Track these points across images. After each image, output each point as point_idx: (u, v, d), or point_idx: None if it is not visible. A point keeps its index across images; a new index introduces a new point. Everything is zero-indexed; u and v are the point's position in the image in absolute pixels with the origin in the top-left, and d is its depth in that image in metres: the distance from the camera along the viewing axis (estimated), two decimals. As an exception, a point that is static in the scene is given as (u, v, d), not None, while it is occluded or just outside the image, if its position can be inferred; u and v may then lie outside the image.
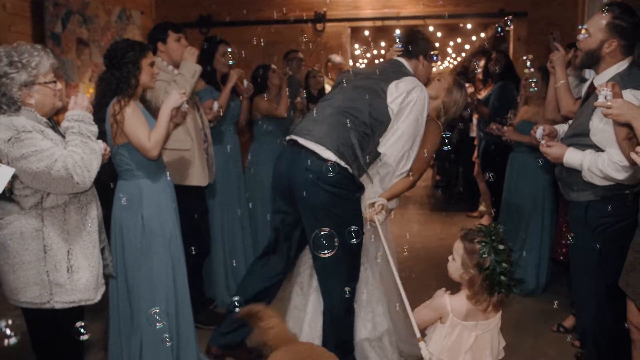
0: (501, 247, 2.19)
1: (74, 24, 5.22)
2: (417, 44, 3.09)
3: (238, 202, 4.26)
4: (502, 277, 2.16)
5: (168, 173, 2.99)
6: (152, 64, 2.94)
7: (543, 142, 2.76)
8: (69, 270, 2.34)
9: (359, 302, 3.04)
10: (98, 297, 2.48)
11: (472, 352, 2.24)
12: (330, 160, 2.73)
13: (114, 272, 2.71)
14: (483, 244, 2.19)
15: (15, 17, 4.63)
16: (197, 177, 3.56)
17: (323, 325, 3.00)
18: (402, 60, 3.09)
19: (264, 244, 4.65)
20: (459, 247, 2.28)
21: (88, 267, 2.40)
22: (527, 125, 4.26)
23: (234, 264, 4.18)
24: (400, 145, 2.89)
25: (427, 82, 3.17)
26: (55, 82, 2.36)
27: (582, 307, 2.90)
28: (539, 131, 2.81)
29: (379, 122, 2.86)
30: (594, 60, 2.71)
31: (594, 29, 2.68)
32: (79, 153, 2.27)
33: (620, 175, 2.54)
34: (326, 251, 2.62)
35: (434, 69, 3.28)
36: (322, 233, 2.62)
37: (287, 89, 4.58)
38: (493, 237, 2.21)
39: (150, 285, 2.90)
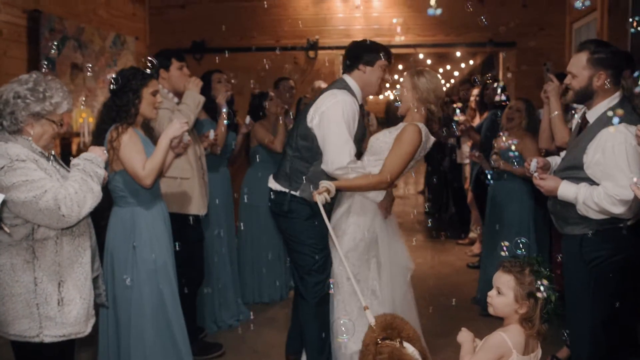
0: (551, 274, 2.14)
1: (69, 49, 5.24)
2: (352, 56, 3.20)
3: (227, 232, 4.27)
4: (555, 307, 2.11)
5: (163, 202, 2.99)
6: (154, 93, 2.96)
7: (536, 174, 2.75)
8: (59, 303, 2.29)
9: (351, 316, 3.00)
10: (88, 330, 2.43)
11: None
12: (272, 189, 3.20)
13: (106, 302, 2.67)
14: (536, 272, 2.12)
15: (11, 42, 4.65)
16: (197, 205, 3.57)
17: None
18: (344, 76, 3.23)
19: (252, 270, 4.69)
20: (507, 279, 2.15)
21: (79, 300, 2.36)
22: (509, 153, 4.31)
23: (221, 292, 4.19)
24: (329, 152, 3.01)
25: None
26: (61, 125, 2.38)
27: (576, 339, 2.86)
28: (533, 164, 2.78)
29: (307, 144, 3.09)
30: (586, 96, 2.74)
31: (577, 69, 2.73)
32: (74, 187, 2.25)
33: (617, 209, 2.53)
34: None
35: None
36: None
37: (286, 123, 4.58)
38: (539, 264, 2.15)
39: (139, 316, 2.88)
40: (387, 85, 7.15)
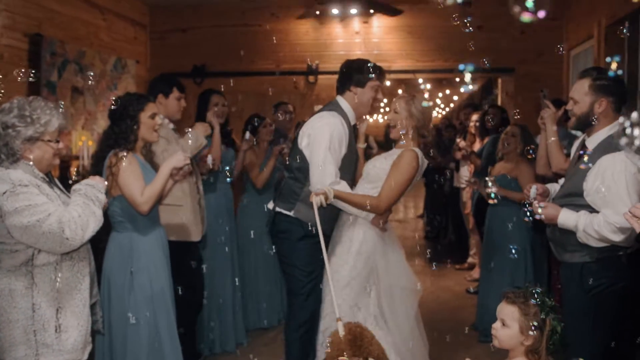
0: (550, 302, 2.12)
1: (69, 73, 5.28)
2: (342, 77, 3.25)
3: (230, 253, 4.25)
4: (561, 338, 2.08)
5: (162, 228, 2.98)
6: (152, 116, 2.96)
7: (536, 202, 2.74)
8: (57, 329, 2.27)
9: None
10: (85, 357, 2.41)
11: None
12: (269, 209, 3.27)
13: (102, 329, 2.65)
14: (539, 304, 2.10)
15: (12, 65, 4.67)
16: (191, 232, 3.56)
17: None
18: (337, 97, 3.27)
19: (252, 293, 4.65)
20: (511, 311, 2.12)
21: (77, 327, 2.34)
22: (505, 180, 4.33)
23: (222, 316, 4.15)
24: (312, 173, 3.06)
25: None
26: (58, 141, 2.37)
27: None
28: (533, 190, 2.80)
29: (299, 164, 3.15)
30: (587, 122, 2.75)
31: (579, 95, 2.76)
32: (77, 211, 2.26)
33: (617, 237, 2.53)
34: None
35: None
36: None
37: (274, 162, 4.56)
38: (543, 295, 2.12)
39: (134, 344, 2.85)
40: (386, 107, 7.18)
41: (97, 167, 2.82)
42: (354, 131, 3.28)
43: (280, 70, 6.68)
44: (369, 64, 3.17)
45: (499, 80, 6.98)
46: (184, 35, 6.94)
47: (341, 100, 3.22)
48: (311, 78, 6.81)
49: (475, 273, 6.10)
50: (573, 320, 2.75)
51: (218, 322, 4.15)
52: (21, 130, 2.26)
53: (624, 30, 3.38)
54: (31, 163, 2.30)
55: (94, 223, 2.30)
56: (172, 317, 2.96)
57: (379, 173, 3.14)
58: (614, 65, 2.74)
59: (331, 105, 3.23)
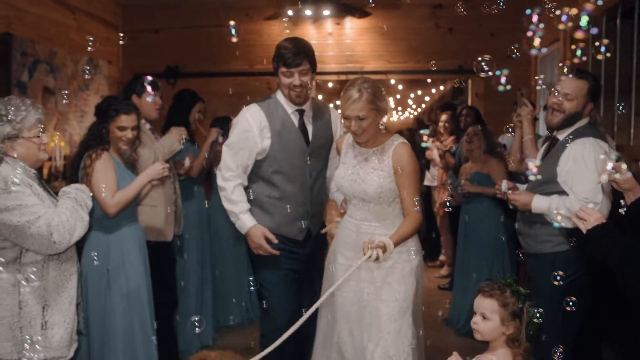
0: (524, 290, 2.18)
1: (40, 73, 5.22)
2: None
3: (206, 255, 4.27)
4: (538, 323, 2.16)
5: (140, 226, 3.00)
6: (121, 129, 3.01)
7: (509, 191, 2.93)
8: (43, 326, 2.29)
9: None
10: (71, 354, 2.43)
11: None
12: None
13: (83, 329, 2.66)
14: (515, 293, 2.16)
15: (-19, 65, 4.62)
16: (166, 232, 3.57)
17: None
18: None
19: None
20: (490, 304, 2.17)
21: (63, 324, 2.36)
22: (480, 177, 4.49)
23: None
24: (219, 170, 3.02)
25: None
26: (39, 136, 2.40)
27: (545, 358, 2.95)
28: (504, 184, 3.01)
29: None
30: (573, 120, 2.89)
31: (576, 94, 2.89)
32: (66, 215, 2.29)
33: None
34: None
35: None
36: None
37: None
38: (516, 283, 2.18)
39: (112, 341, 2.87)
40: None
41: (75, 162, 2.85)
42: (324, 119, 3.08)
43: (254, 71, 6.70)
44: (275, 51, 2.93)
45: (469, 81, 7.12)
46: (157, 36, 6.91)
47: (276, 94, 3.06)
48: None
49: (444, 270, 6.25)
50: (544, 312, 2.87)
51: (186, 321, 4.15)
52: None
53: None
54: (19, 160, 2.33)
55: (81, 228, 2.34)
56: (146, 315, 2.98)
57: (390, 188, 2.76)
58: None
59: (268, 97, 3.09)
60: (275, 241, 2.91)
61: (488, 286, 2.22)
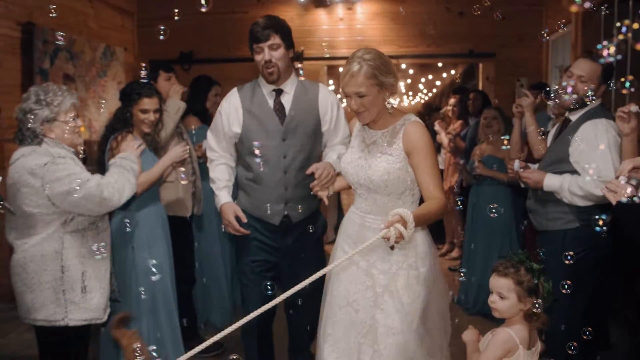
0: (537, 266, 2.22)
1: (61, 60, 5.36)
2: None
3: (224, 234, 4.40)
4: (552, 296, 2.20)
5: (162, 205, 3.15)
6: (144, 111, 3.16)
7: (521, 170, 3.01)
8: (82, 290, 2.49)
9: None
10: (105, 317, 2.63)
11: None
12: None
13: (119, 297, 2.84)
14: (529, 269, 2.19)
15: (6, 54, 4.76)
16: (180, 208, 3.71)
17: None
18: None
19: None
20: (505, 283, 2.20)
21: (99, 289, 2.56)
22: (492, 159, 4.58)
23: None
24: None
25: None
26: (74, 119, 2.57)
27: (552, 333, 2.97)
28: (517, 163, 3.07)
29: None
30: (585, 103, 2.94)
31: (589, 76, 2.93)
32: (113, 177, 2.53)
33: (600, 191, 2.67)
34: None
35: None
36: None
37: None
38: (528, 260, 2.22)
39: (137, 317, 3.04)
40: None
41: (102, 145, 3.06)
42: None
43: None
44: (250, 29, 2.88)
45: (480, 65, 7.18)
46: (171, 23, 7.00)
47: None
48: (297, 64, 6.93)
49: (455, 253, 6.38)
50: (554, 288, 2.97)
51: (210, 298, 4.31)
52: (38, 112, 2.47)
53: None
54: (57, 141, 2.51)
55: (129, 189, 2.57)
56: (169, 290, 3.15)
57: (399, 176, 2.43)
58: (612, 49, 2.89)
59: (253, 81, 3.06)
60: (244, 220, 2.84)
61: (502, 265, 2.24)
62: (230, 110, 2.90)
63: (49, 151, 2.45)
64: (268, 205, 2.86)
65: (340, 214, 6.86)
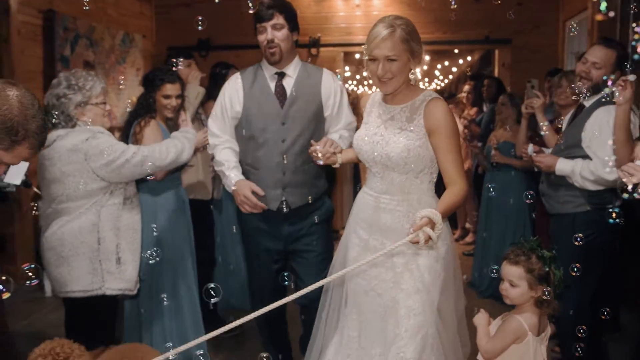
0: (549, 253, 2.24)
1: (81, 47, 5.47)
2: None
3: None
4: (561, 282, 2.23)
5: (183, 189, 3.25)
6: (166, 97, 3.24)
7: (535, 154, 3.10)
8: (117, 262, 2.63)
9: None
10: (135, 291, 2.76)
11: None
12: None
13: (143, 275, 2.95)
14: (540, 257, 2.22)
15: (28, 41, 4.87)
16: (201, 191, 3.80)
17: None
18: None
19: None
20: (516, 270, 2.23)
21: (131, 262, 2.69)
22: (509, 146, 4.61)
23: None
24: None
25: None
26: (105, 103, 2.71)
27: (563, 316, 3.01)
28: (530, 147, 3.17)
29: None
30: (599, 87, 2.96)
31: (604, 62, 2.96)
32: (157, 145, 2.73)
33: (612, 175, 2.77)
34: None
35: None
36: None
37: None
38: (540, 247, 2.24)
39: (159, 298, 3.13)
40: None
41: (126, 130, 3.15)
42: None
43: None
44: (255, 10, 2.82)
45: (496, 52, 7.16)
46: (189, 10, 7.08)
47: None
48: (313, 50, 6.98)
49: (469, 238, 6.42)
50: (563, 269, 3.02)
51: (229, 280, 4.39)
52: (72, 97, 2.59)
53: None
54: (90, 124, 2.64)
55: (174, 152, 2.74)
56: (190, 272, 3.25)
57: (419, 154, 2.30)
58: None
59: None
60: (261, 193, 2.77)
61: (513, 253, 2.26)
62: (232, 92, 2.88)
63: (87, 128, 2.59)
64: (267, 190, 2.79)
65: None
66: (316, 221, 2.92)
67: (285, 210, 2.81)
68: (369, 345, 2.37)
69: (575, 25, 5.43)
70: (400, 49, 2.24)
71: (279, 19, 2.78)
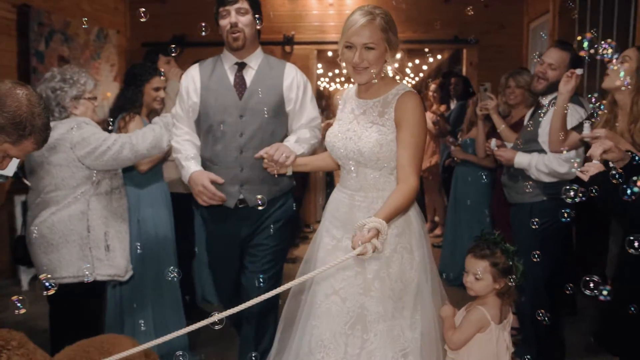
0: (512, 247, 2.33)
1: (56, 43, 5.49)
2: None
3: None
4: (523, 275, 2.32)
5: (165, 182, 3.35)
6: (156, 89, 3.35)
7: (496, 148, 3.35)
8: (106, 249, 2.71)
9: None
10: (127, 277, 2.84)
11: (508, 352, 2.37)
12: None
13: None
14: (504, 251, 2.31)
15: (3, 35, 4.88)
16: (181, 185, 3.88)
17: None
18: None
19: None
20: (481, 264, 2.32)
21: (120, 249, 2.78)
22: (473, 142, 4.82)
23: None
24: None
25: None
26: (95, 98, 2.82)
27: (521, 303, 3.24)
28: (493, 142, 3.45)
29: None
30: (556, 88, 3.12)
31: (559, 63, 3.20)
32: (135, 132, 2.79)
33: (563, 168, 3.03)
34: None
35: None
36: None
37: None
38: (503, 242, 2.33)
39: (141, 286, 3.24)
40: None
41: (108, 125, 3.21)
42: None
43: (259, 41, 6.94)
44: None
45: (464, 51, 7.39)
46: (163, 6, 7.12)
47: None
48: (287, 48, 7.11)
49: (438, 230, 6.67)
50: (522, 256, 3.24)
51: (204, 276, 4.49)
52: (67, 90, 2.69)
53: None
54: (79, 115, 2.73)
55: (152, 136, 2.76)
56: (172, 262, 3.35)
57: (392, 149, 2.26)
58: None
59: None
60: (221, 181, 2.67)
61: (478, 247, 2.35)
62: (189, 82, 2.78)
63: (75, 119, 2.68)
64: (224, 186, 2.68)
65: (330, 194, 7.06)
66: (274, 222, 2.80)
67: (241, 207, 2.71)
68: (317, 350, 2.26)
69: (543, 34, 5.68)
70: (379, 38, 2.19)
71: (243, 4, 2.70)
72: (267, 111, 2.72)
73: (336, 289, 2.27)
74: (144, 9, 3.02)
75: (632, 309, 2.20)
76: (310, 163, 2.67)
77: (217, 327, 1.87)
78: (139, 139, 2.72)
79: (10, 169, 2.03)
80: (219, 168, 2.72)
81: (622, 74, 2.57)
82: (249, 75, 2.76)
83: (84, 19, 5.44)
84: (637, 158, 2.25)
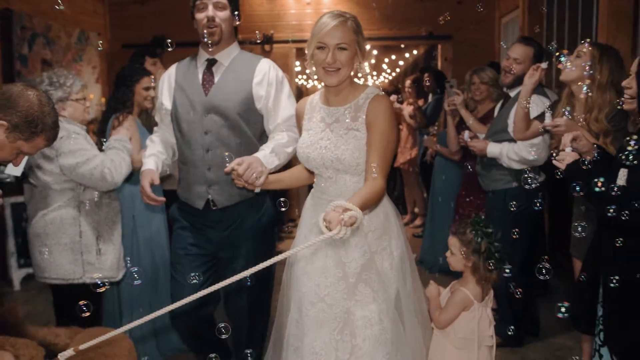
0: (489, 230, 2.50)
1: (38, 46, 5.55)
2: None
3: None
4: (497, 255, 2.47)
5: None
6: (147, 88, 3.46)
7: (469, 139, 3.56)
8: (97, 253, 2.83)
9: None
10: (120, 277, 2.97)
11: (491, 325, 2.55)
12: None
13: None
14: (474, 231, 2.48)
15: (-16, 40, 4.93)
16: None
17: None
18: None
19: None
20: (454, 242, 2.54)
21: (112, 252, 2.89)
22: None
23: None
24: None
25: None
26: (85, 99, 2.90)
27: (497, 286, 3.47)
28: (466, 134, 3.65)
29: None
30: (520, 80, 3.35)
31: (523, 58, 3.43)
32: (112, 157, 2.81)
33: (532, 156, 3.25)
34: None
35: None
36: None
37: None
38: (481, 224, 2.49)
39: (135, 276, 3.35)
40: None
41: (103, 125, 3.31)
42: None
43: (237, 40, 7.05)
44: None
45: (439, 47, 7.60)
46: (142, 7, 7.20)
47: None
48: (267, 47, 7.24)
49: (418, 221, 6.90)
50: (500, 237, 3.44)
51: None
52: (53, 93, 2.78)
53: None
54: (69, 119, 2.80)
55: (126, 167, 2.87)
56: (167, 255, 3.46)
57: (364, 150, 2.26)
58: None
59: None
60: (157, 182, 2.63)
61: (454, 227, 2.59)
62: (164, 80, 2.75)
63: (65, 127, 2.73)
64: (192, 186, 2.64)
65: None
66: (250, 227, 2.70)
67: (212, 208, 2.62)
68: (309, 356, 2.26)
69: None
70: (351, 39, 2.21)
71: None
72: (235, 109, 2.61)
73: (321, 296, 2.27)
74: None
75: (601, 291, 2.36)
76: (283, 181, 2.51)
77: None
78: (117, 169, 2.77)
79: (19, 168, 2.17)
80: (188, 167, 2.67)
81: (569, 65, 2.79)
82: (218, 72, 2.67)
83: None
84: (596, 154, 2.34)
